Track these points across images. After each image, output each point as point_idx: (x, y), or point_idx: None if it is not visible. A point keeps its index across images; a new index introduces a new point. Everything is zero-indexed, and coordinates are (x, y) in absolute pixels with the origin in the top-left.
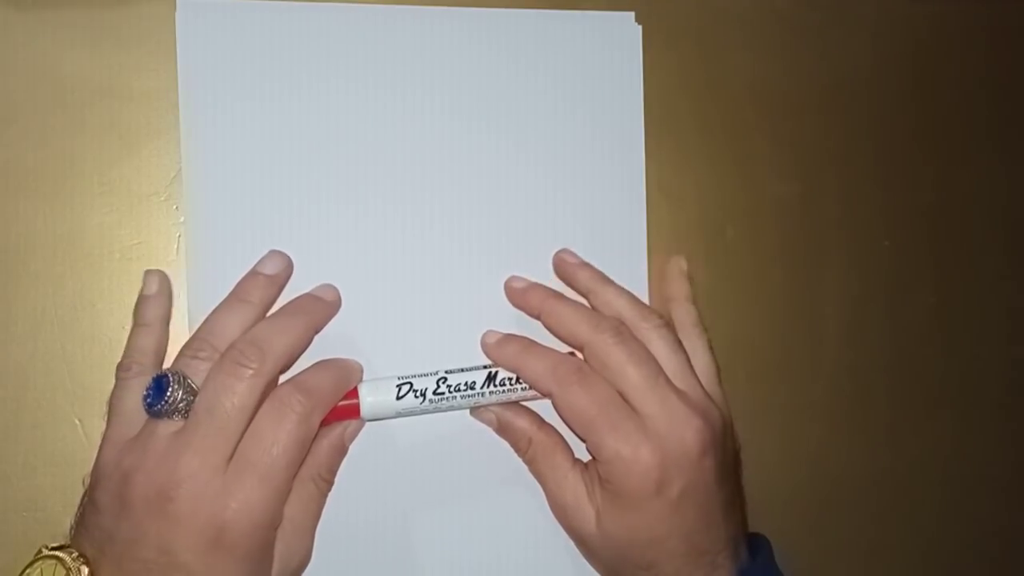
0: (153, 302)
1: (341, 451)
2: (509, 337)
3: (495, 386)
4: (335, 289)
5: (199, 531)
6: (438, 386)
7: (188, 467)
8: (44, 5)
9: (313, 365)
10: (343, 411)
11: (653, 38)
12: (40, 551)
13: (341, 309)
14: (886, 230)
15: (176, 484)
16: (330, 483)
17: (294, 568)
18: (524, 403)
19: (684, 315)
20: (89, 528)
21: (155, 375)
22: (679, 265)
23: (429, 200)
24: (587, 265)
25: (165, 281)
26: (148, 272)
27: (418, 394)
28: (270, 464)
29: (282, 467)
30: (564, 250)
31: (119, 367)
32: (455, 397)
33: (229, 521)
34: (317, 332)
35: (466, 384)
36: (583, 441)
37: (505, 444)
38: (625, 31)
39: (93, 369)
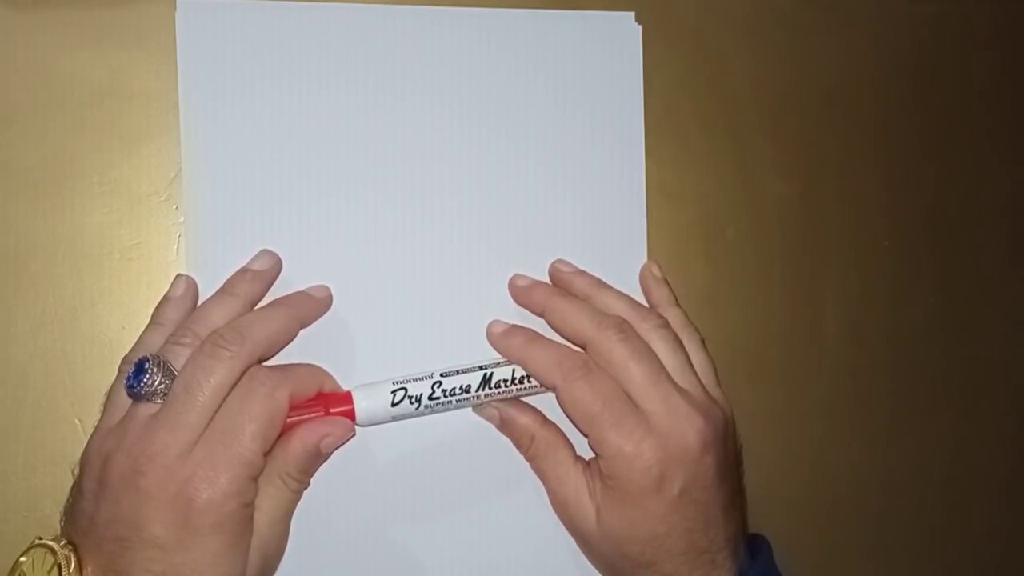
0: (174, 304)
1: (316, 456)
2: (515, 328)
3: (490, 389)
4: (327, 288)
5: (169, 503)
6: (433, 391)
7: (161, 442)
8: (44, 5)
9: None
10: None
11: (653, 38)
12: (33, 542)
13: (342, 308)
14: (886, 230)
15: (149, 459)
16: (302, 483)
17: (265, 557)
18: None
19: (673, 318)
20: (75, 515)
21: (137, 359)
22: (652, 271)
23: (429, 200)
24: (583, 272)
25: (192, 288)
26: (178, 276)
27: (413, 400)
28: (235, 433)
29: (248, 436)
30: (559, 260)
31: (123, 360)
32: (450, 402)
33: (196, 490)
34: (303, 326)
35: (461, 388)
36: (585, 436)
37: (504, 443)
38: (625, 31)
39: (93, 369)
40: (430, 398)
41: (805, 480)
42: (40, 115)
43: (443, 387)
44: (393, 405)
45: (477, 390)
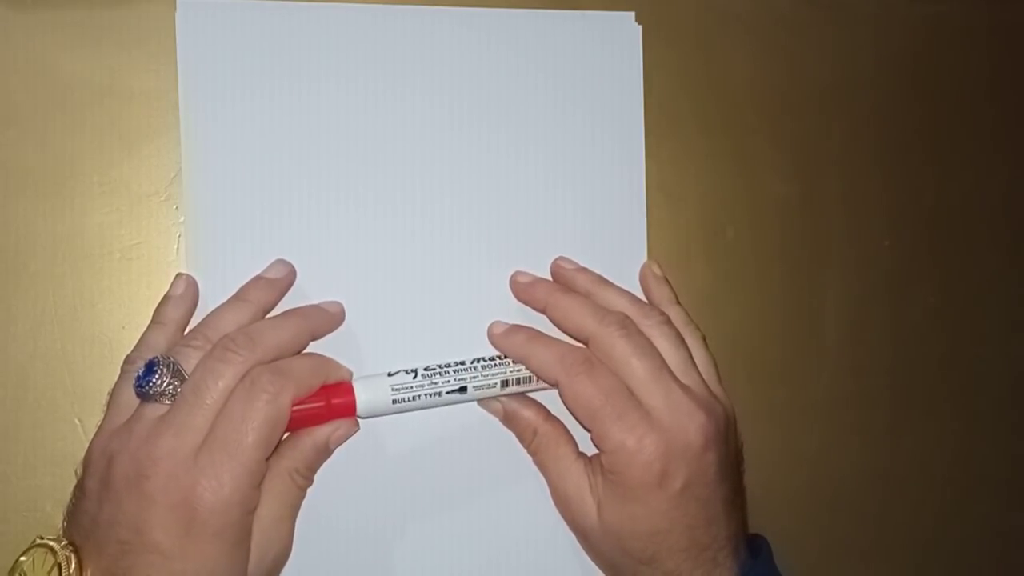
0: (175, 303)
1: (324, 452)
2: (516, 327)
3: (485, 361)
4: (340, 305)
5: (171, 509)
6: (428, 364)
7: (167, 446)
8: (44, 5)
9: (295, 355)
10: (339, 409)
11: (653, 38)
12: (34, 541)
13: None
14: (886, 230)
15: (154, 463)
16: (308, 480)
17: (272, 558)
18: (525, 392)
19: (674, 317)
20: (77, 516)
21: (147, 359)
22: (652, 270)
23: (429, 200)
24: (585, 269)
25: (192, 287)
26: (178, 275)
27: (409, 371)
28: (239, 441)
29: (251, 445)
30: (560, 258)
31: (126, 360)
32: (447, 372)
33: (199, 498)
34: (313, 338)
35: (456, 361)
36: (588, 431)
37: (507, 439)
38: (625, 31)
39: (93, 369)
40: (426, 369)
41: (805, 480)
42: (40, 115)
43: (436, 362)
44: (390, 375)
45: (472, 363)
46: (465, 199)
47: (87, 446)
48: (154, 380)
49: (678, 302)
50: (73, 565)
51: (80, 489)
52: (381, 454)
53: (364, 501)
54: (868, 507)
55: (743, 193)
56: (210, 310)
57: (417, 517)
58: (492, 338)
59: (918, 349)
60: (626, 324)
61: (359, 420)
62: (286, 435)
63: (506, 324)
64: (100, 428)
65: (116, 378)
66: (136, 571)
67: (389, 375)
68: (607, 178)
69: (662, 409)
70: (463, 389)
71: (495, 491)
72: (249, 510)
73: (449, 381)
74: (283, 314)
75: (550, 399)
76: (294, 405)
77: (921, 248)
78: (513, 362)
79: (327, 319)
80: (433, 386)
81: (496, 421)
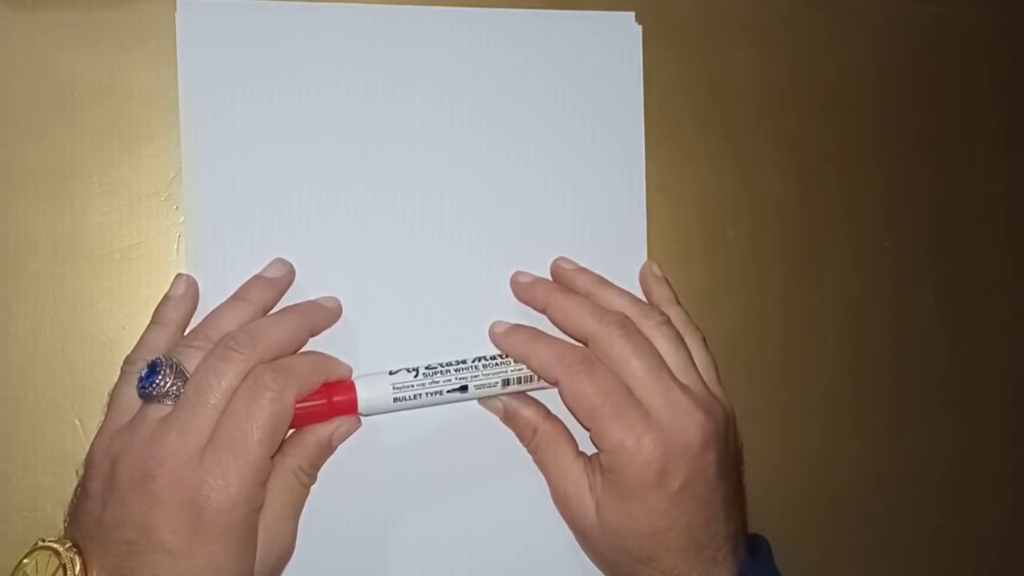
0: (175, 303)
1: (327, 449)
2: (517, 327)
3: (486, 360)
4: (337, 300)
5: (178, 509)
6: (429, 363)
7: (171, 446)
8: (44, 5)
9: (297, 353)
10: (340, 407)
11: (653, 38)
12: (36, 543)
13: (344, 307)
14: (886, 230)
15: (159, 463)
16: (312, 477)
17: (276, 556)
18: (525, 391)
19: (674, 317)
20: (79, 516)
21: (150, 360)
22: (652, 270)
23: (429, 200)
24: (585, 269)
25: (192, 287)
26: (178, 276)
27: (410, 369)
28: (244, 440)
29: (255, 443)
30: (560, 257)
31: (126, 360)
32: (448, 371)
33: (206, 497)
34: (312, 334)
35: (457, 360)
36: (587, 430)
37: (508, 438)
38: (625, 31)
39: (93, 369)
40: (427, 367)
41: (805, 480)
42: (40, 115)
43: (438, 361)
44: (391, 374)
45: (473, 361)
46: (465, 199)
47: (88, 447)
48: (157, 381)
49: (678, 302)
50: (78, 567)
51: (82, 490)
52: (381, 452)
53: (364, 499)
54: (868, 507)
55: (743, 193)
56: (210, 310)
57: (417, 515)
58: (493, 337)
59: (918, 349)
60: (626, 324)
61: (360, 417)
62: (289, 433)
63: (507, 323)
64: (101, 429)
65: (116, 378)
66: (143, 571)
67: (391, 373)
68: (607, 178)
69: (661, 408)
70: (464, 388)
71: (495, 490)
72: (255, 508)
73: (450, 380)
74: (281, 311)
75: (550, 399)
76: (297, 403)
77: (921, 248)
78: (514, 361)
79: (324, 315)
80: (434, 385)
81: (496, 420)
